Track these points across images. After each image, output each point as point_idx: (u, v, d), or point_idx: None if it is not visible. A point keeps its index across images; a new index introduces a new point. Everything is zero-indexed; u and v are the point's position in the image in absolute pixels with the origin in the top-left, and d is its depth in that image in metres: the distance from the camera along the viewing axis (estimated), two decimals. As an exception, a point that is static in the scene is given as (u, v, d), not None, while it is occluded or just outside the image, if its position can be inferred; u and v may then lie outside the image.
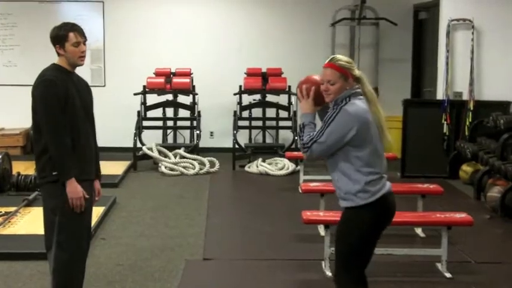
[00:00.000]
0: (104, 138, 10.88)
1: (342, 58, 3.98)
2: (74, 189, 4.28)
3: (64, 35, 4.35)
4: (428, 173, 9.87)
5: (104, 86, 12.23)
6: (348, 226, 3.99)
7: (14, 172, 8.81)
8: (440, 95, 10.34)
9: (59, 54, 4.43)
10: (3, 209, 7.46)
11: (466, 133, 9.93)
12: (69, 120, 4.29)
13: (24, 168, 9.44)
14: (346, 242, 4.00)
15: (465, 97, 10.10)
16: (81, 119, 4.40)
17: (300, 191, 8.19)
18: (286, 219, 7.61)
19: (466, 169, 9.56)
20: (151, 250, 6.49)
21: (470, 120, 9.91)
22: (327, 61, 3.97)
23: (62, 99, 4.27)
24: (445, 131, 10.08)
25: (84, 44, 4.41)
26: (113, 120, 11.57)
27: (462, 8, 10.15)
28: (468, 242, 6.69)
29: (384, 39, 12.17)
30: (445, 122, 10.04)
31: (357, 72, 3.96)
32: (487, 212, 7.95)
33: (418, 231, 6.97)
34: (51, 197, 4.36)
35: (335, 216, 5.96)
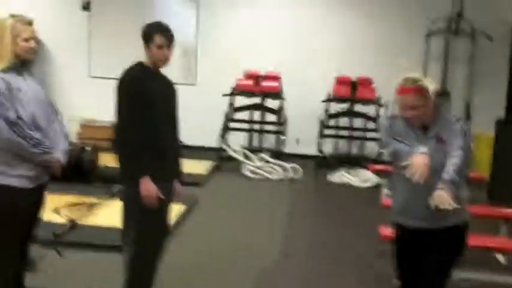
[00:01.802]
0: (190, 136, 11.17)
1: (419, 77, 3.85)
2: (147, 187, 4.27)
3: (150, 35, 4.37)
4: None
5: (195, 84, 12.34)
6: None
7: (101, 164, 9.00)
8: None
9: (145, 51, 4.46)
10: (87, 200, 7.63)
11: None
12: (149, 119, 4.30)
13: (112, 160, 9.58)
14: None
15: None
16: (162, 118, 4.41)
17: (381, 205, 8.05)
18: (363, 233, 7.50)
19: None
20: (228, 250, 6.55)
21: None
22: (403, 84, 3.82)
23: (143, 98, 4.28)
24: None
25: (169, 49, 4.38)
26: (200, 119, 11.66)
27: None
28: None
29: (480, 53, 11.87)
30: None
31: (437, 89, 3.89)
32: None
33: (500, 257, 6.75)
34: (131, 193, 4.36)
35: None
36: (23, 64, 4.11)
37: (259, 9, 12.31)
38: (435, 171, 3.71)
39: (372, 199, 9.24)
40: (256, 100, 11.58)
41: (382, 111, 11.26)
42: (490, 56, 11.78)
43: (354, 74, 11.60)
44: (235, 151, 10.73)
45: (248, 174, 10.36)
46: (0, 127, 3.89)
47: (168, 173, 4.52)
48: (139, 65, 4.45)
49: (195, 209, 8.05)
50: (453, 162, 3.68)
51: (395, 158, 3.95)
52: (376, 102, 11.23)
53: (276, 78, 11.57)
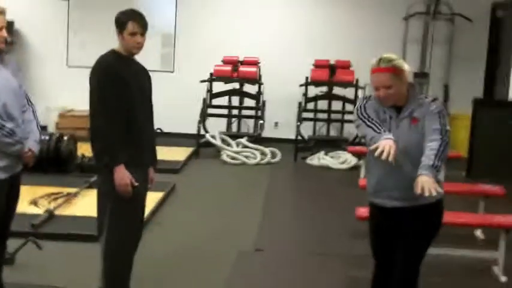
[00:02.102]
0: (169, 123, 11.18)
1: (394, 57, 3.81)
2: (121, 175, 4.23)
3: (123, 22, 4.33)
4: (495, 175, 9.49)
5: (173, 71, 12.28)
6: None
7: (79, 154, 8.95)
8: (511, 95, 10.06)
9: (118, 39, 4.43)
10: (65, 190, 7.58)
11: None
12: (125, 106, 4.27)
13: (90, 150, 9.55)
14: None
15: (538, 98, 9.80)
16: (138, 105, 4.38)
17: (360, 187, 8.07)
18: (342, 214, 7.49)
19: (534, 172, 9.26)
20: (205, 237, 6.51)
21: (542, 121, 9.60)
22: (376, 64, 3.78)
23: (118, 85, 4.25)
24: (514, 131, 9.78)
25: (142, 36, 4.34)
26: (180, 106, 11.64)
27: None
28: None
29: (458, 35, 11.88)
30: (514, 122, 9.74)
31: (411, 70, 3.88)
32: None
33: (478, 233, 6.79)
34: (106, 181, 4.33)
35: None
36: None
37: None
38: (409, 151, 3.75)
39: (351, 180, 9.23)
40: (235, 85, 11.56)
41: (360, 93, 11.27)
42: (469, 37, 11.80)
43: (332, 58, 11.58)
44: (213, 137, 10.70)
45: (227, 159, 10.34)
46: None
47: (143, 161, 4.49)
48: (112, 53, 4.41)
49: (171, 196, 8.01)
50: (433, 146, 3.65)
51: (366, 140, 3.91)
52: (354, 84, 11.23)
53: (254, 63, 11.55)
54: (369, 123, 3.81)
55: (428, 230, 3.95)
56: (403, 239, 3.94)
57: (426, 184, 3.51)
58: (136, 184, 4.30)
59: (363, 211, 5.82)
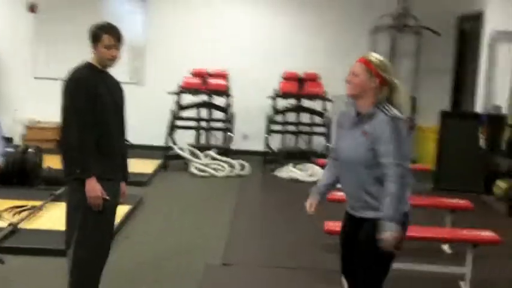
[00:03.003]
0: (138, 136, 11.04)
1: (378, 56, 3.87)
2: (92, 187, 4.24)
3: (98, 35, 4.35)
4: (462, 186, 9.52)
5: (142, 84, 12.21)
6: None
7: (45, 166, 8.83)
8: (479, 107, 10.14)
9: (93, 53, 4.42)
10: (30, 203, 7.46)
11: (504, 148, 9.68)
12: (98, 119, 4.28)
13: (56, 162, 9.46)
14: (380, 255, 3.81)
15: (504, 111, 9.87)
16: (110, 117, 4.39)
17: (328, 199, 8.06)
18: (310, 227, 7.45)
19: (501, 185, 9.30)
20: (173, 251, 6.44)
21: (509, 134, 9.66)
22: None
23: (91, 97, 4.25)
24: (482, 144, 9.84)
25: (117, 49, 4.37)
26: (149, 118, 11.57)
27: (506, 20, 9.95)
28: (496, 260, 6.49)
29: (425, 48, 11.97)
30: (482, 136, 9.80)
31: (388, 77, 3.80)
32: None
33: (445, 247, 6.81)
34: (75, 194, 4.32)
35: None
36: None
37: (207, 9, 12.23)
38: (358, 162, 3.77)
39: (320, 194, 9.24)
40: (204, 98, 11.52)
41: (329, 106, 11.31)
42: (436, 50, 11.89)
43: (301, 70, 11.60)
44: (181, 149, 10.64)
45: (195, 172, 10.29)
46: None
47: (115, 173, 4.48)
48: (86, 65, 4.42)
49: (139, 209, 7.93)
50: (389, 191, 3.66)
51: None
52: (323, 97, 11.25)
53: (223, 76, 11.53)
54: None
55: (372, 244, 3.77)
56: (356, 252, 3.93)
57: (386, 243, 3.66)
58: (107, 197, 4.29)
59: (332, 225, 5.83)
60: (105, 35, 4.33)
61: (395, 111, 3.76)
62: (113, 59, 4.36)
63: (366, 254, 3.85)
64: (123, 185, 4.60)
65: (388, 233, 3.64)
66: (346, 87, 3.86)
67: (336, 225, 5.88)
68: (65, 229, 4.46)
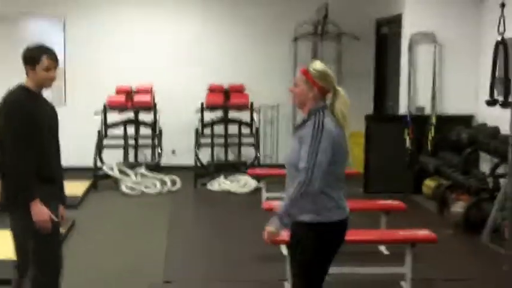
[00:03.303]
0: (64, 157, 10.85)
1: (317, 66, 3.95)
2: (39, 211, 4.20)
3: (37, 58, 4.29)
4: (392, 188, 9.63)
5: (65, 104, 11.98)
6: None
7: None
8: (402, 109, 10.34)
9: (27, 74, 4.36)
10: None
11: (429, 148, 9.90)
12: (35, 142, 4.23)
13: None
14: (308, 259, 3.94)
15: (427, 111, 10.10)
16: (47, 140, 4.36)
17: (263, 209, 8.08)
18: (248, 238, 7.46)
19: (429, 184, 9.51)
20: (112, 273, 6.35)
21: (432, 134, 9.89)
22: None
23: (28, 121, 4.21)
24: (408, 145, 10.03)
25: (55, 70, 4.35)
26: (74, 139, 11.33)
27: (424, 22, 10.20)
28: (432, 258, 6.64)
29: (346, 53, 12.13)
30: (408, 137, 10.00)
31: (327, 86, 3.91)
32: (451, 227, 7.91)
33: (382, 248, 6.91)
34: (22, 221, 4.26)
35: (297, 235, 5.88)
36: None
37: (128, 23, 12.10)
38: (293, 167, 3.86)
39: (253, 203, 9.26)
40: (130, 115, 11.39)
41: (255, 116, 11.35)
42: (356, 55, 12.06)
43: (226, 82, 11.60)
44: (111, 168, 10.49)
45: (126, 190, 10.16)
46: None
47: (55, 197, 4.44)
48: (20, 88, 4.36)
49: (72, 232, 7.74)
50: (287, 193, 3.83)
51: None
52: (249, 107, 11.29)
53: (147, 91, 11.41)
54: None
55: (299, 247, 3.95)
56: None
57: (266, 235, 3.88)
58: (55, 219, 4.28)
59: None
60: (44, 56, 4.30)
61: (325, 118, 3.84)
62: (52, 81, 4.34)
63: (295, 253, 4.02)
64: (61, 208, 4.54)
65: (269, 228, 3.86)
66: (292, 98, 4.05)
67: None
68: (16, 258, 4.43)
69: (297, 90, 3.95)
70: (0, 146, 4.25)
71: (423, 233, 5.84)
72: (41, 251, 4.29)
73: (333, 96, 3.94)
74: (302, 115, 4.02)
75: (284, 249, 6.30)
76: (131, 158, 11.53)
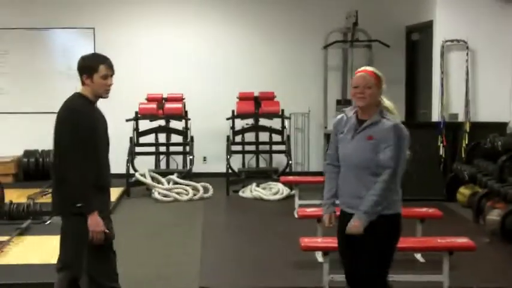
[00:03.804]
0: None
1: (377, 70, 4.35)
2: (96, 223, 4.26)
3: (94, 66, 4.37)
4: (425, 195, 9.53)
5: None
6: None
7: (7, 200, 8.67)
8: (435, 116, 10.28)
9: (83, 84, 4.41)
10: (-5, 238, 7.33)
11: (463, 155, 9.83)
12: (94, 151, 4.29)
13: (17, 196, 9.38)
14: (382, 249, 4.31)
15: (461, 118, 10.05)
16: (103, 149, 4.43)
17: (296, 216, 8.09)
18: (282, 246, 7.47)
19: (464, 192, 9.44)
20: (147, 279, 6.36)
21: (466, 141, 9.82)
22: (361, 68, 4.37)
23: (88, 130, 4.26)
24: (441, 153, 9.97)
25: (112, 77, 4.43)
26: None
27: (456, 29, 10.15)
28: (469, 266, 6.55)
29: (377, 61, 12.03)
30: (441, 144, 9.94)
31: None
32: (487, 235, 7.83)
33: (418, 256, 6.85)
34: (74, 228, 4.35)
35: (333, 242, 5.85)
36: None
37: (157, 33, 12.19)
38: (365, 164, 4.17)
39: (286, 210, 9.27)
40: (161, 122, 11.44)
41: (286, 123, 11.35)
42: (387, 62, 11.94)
43: (257, 90, 11.61)
44: (143, 175, 10.54)
45: (158, 197, 10.20)
46: None
47: (108, 206, 4.58)
48: (78, 97, 4.41)
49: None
50: (376, 188, 4.12)
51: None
52: (280, 115, 11.28)
53: (179, 99, 11.47)
54: (330, 140, 4.48)
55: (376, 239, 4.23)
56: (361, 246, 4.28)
57: (353, 229, 4.19)
58: (107, 231, 4.36)
59: (308, 241, 5.83)
60: (101, 65, 4.38)
61: (396, 119, 4.20)
62: (108, 89, 4.41)
63: (374, 246, 4.26)
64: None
65: (356, 223, 4.17)
66: (357, 99, 4.23)
67: (311, 241, 5.91)
68: (57, 258, 4.54)
69: (369, 92, 4.20)
70: (57, 155, 4.29)
71: (461, 240, 5.78)
72: (100, 260, 4.45)
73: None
74: (347, 117, 4.36)
75: (320, 257, 6.29)
76: (163, 166, 11.58)
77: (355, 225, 4.15)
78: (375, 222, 4.17)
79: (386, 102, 4.32)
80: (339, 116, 4.45)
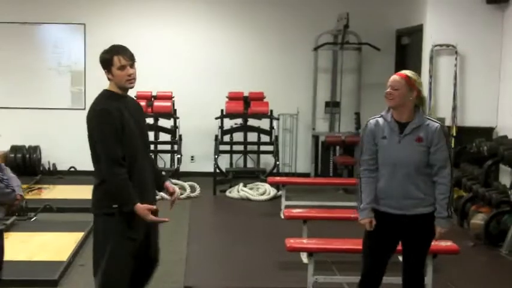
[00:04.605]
0: (82, 161, 10.92)
1: (413, 73, 4.52)
2: (143, 211, 4.25)
3: (109, 59, 4.34)
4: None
5: (84, 108, 12.04)
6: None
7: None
8: (423, 120, 10.32)
9: (108, 79, 4.41)
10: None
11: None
12: (127, 148, 4.27)
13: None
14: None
15: (448, 123, 10.08)
16: (138, 144, 4.37)
17: (282, 217, 8.11)
18: (267, 246, 7.50)
19: (449, 195, 9.47)
20: (131, 278, 6.34)
21: (453, 146, 9.86)
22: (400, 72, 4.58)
23: (119, 128, 4.24)
24: (428, 156, 9.99)
25: (132, 67, 4.35)
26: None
27: (445, 33, 10.18)
28: (453, 270, 6.62)
29: (367, 64, 12.14)
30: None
31: (422, 91, 4.49)
32: (471, 239, 7.89)
33: (400, 258, 6.86)
34: (106, 229, 4.35)
35: (318, 243, 5.90)
36: None
37: (149, 29, 12.18)
38: (416, 165, 4.38)
39: (272, 211, 9.29)
40: (150, 121, 11.43)
41: (275, 124, 11.38)
42: (376, 65, 12.04)
43: (246, 90, 11.63)
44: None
45: (145, 195, 10.18)
46: None
47: (148, 197, 4.44)
48: (104, 94, 4.40)
49: (92, 236, 7.79)
50: (443, 191, 4.37)
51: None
52: (269, 115, 11.31)
53: (168, 97, 11.47)
54: (362, 144, 4.59)
55: (427, 236, 4.55)
56: (408, 245, 4.61)
57: (440, 236, 4.48)
58: (154, 207, 4.34)
59: (293, 242, 5.86)
60: (115, 56, 4.33)
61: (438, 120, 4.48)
62: (130, 79, 4.33)
63: (425, 241, 4.57)
64: (168, 184, 4.76)
65: (444, 229, 4.43)
66: (386, 99, 4.44)
67: (297, 242, 5.93)
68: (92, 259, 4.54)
69: (397, 94, 4.38)
70: (93, 155, 4.31)
71: (445, 244, 5.82)
72: (113, 259, 4.37)
73: (420, 101, 4.47)
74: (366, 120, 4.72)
75: (304, 258, 6.32)
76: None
77: (443, 232, 4.45)
78: (423, 221, 4.46)
79: (425, 106, 4.56)
80: (373, 121, 4.55)
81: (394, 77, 4.49)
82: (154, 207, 4.32)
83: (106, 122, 4.22)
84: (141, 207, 4.24)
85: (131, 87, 4.40)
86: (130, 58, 4.36)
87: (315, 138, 11.98)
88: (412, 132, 4.38)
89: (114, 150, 4.21)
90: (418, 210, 4.43)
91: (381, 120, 4.50)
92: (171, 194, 4.71)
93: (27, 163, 11.64)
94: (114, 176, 4.20)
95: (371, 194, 4.53)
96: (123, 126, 4.24)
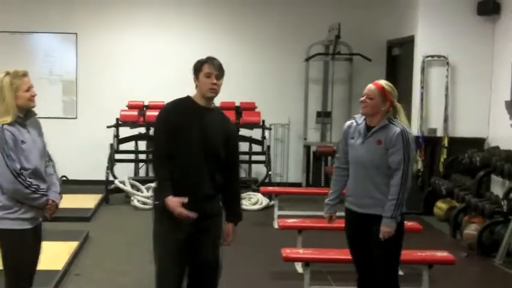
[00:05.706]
0: (74, 170, 10.96)
1: (388, 83, 4.68)
2: (172, 203, 4.31)
3: (199, 66, 4.51)
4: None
5: (76, 118, 12.03)
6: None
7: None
8: (414, 131, 10.36)
9: (196, 86, 4.57)
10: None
11: (441, 170, 9.93)
12: (177, 151, 4.36)
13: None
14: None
15: (440, 133, 10.15)
16: (194, 151, 4.38)
17: (276, 227, 8.12)
18: (261, 256, 7.50)
19: (441, 206, 9.54)
20: (127, 286, 6.34)
21: (445, 156, 9.93)
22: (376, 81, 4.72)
23: (171, 129, 4.37)
24: (419, 167, 10.07)
25: (217, 79, 4.46)
26: (85, 153, 11.45)
27: (436, 45, 10.25)
28: (446, 280, 6.63)
29: (358, 74, 12.17)
30: (420, 158, 10.04)
31: (395, 102, 4.64)
32: (464, 249, 7.92)
33: (397, 268, 6.89)
34: (153, 222, 4.56)
35: (315, 253, 5.92)
36: (26, 115, 4.39)
37: (141, 39, 12.17)
38: (376, 166, 4.57)
39: (265, 221, 9.30)
40: (142, 130, 11.43)
41: (267, 133, 11.40)
42: (367, 75, 11.96)
43: (238, 100, 11.65)
44: (122, 182, 10.52)
45: (138, 205, 10.18)
46: (8, 179, 4.17)
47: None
48: (182, 98, 4.60)
49: (86, 244, 7.81)
50: (393, 193, 4.50)
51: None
52: (261, 125, 11.32)
53: (160, 107, 11.37)
54: (339, 143, 4.95)
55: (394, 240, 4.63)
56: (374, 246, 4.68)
57: (386, 235, 4.55)
58: (185, 200, 4.30)
59: (289, 252, 5.87)
60: (205, 64, 4.51)
61: (403, 125, 4.59)
62: (212, 88, 4.43)
63: (386, 242, 4.60)
64: (230, 226, 4.86)
65: (388, 229, 4.53)
66: (361, 106, 4.62)
67: (293, 252, 5.95)
68: None
69: (372, 103, 4.56)
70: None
71: (441, 254, 5.86)
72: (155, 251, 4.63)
73: (395, 111, 4.65)
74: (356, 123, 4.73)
75: (300, 267, 6.33)
76: (142, 173, 11.57)
77: (386, 231, 4.53)
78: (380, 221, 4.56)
79: (402, 117, 4.66)
80: (349, 122, 4.81)
81: (370, 86, 4.66)
82: (186, 199, 4.31)
83: (160, 120, 4.47)
84: (171, 200, 4.30)
85: (211, 96, 4.48)
86: (219, 70, 4.49)
87: (307, 148, 12.01)
88: (373, 135, 4.59)
89: (160, 148, 4.44)
90: (376, 210, 4.59)
91: (354, 122, 4.76)
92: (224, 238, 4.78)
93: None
94: (156, 171, 4.47)
95: (337, 191, 4.91)
96: (177, 129, 4.37)
